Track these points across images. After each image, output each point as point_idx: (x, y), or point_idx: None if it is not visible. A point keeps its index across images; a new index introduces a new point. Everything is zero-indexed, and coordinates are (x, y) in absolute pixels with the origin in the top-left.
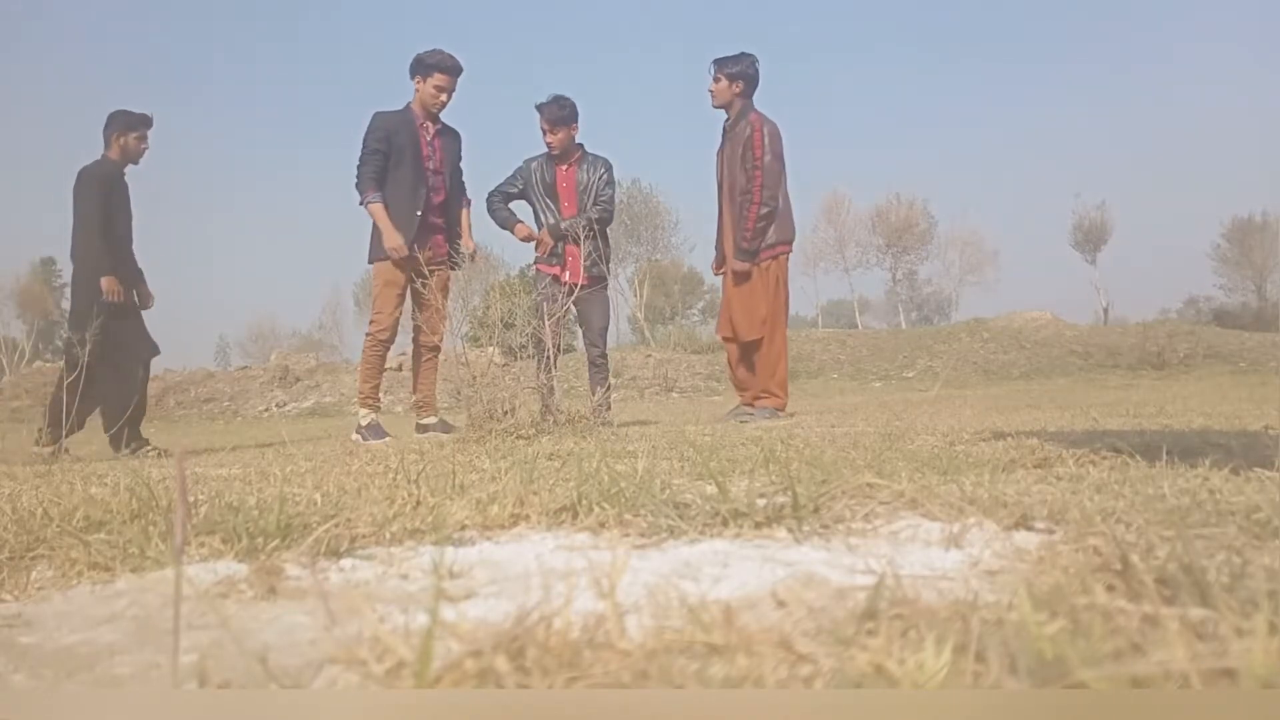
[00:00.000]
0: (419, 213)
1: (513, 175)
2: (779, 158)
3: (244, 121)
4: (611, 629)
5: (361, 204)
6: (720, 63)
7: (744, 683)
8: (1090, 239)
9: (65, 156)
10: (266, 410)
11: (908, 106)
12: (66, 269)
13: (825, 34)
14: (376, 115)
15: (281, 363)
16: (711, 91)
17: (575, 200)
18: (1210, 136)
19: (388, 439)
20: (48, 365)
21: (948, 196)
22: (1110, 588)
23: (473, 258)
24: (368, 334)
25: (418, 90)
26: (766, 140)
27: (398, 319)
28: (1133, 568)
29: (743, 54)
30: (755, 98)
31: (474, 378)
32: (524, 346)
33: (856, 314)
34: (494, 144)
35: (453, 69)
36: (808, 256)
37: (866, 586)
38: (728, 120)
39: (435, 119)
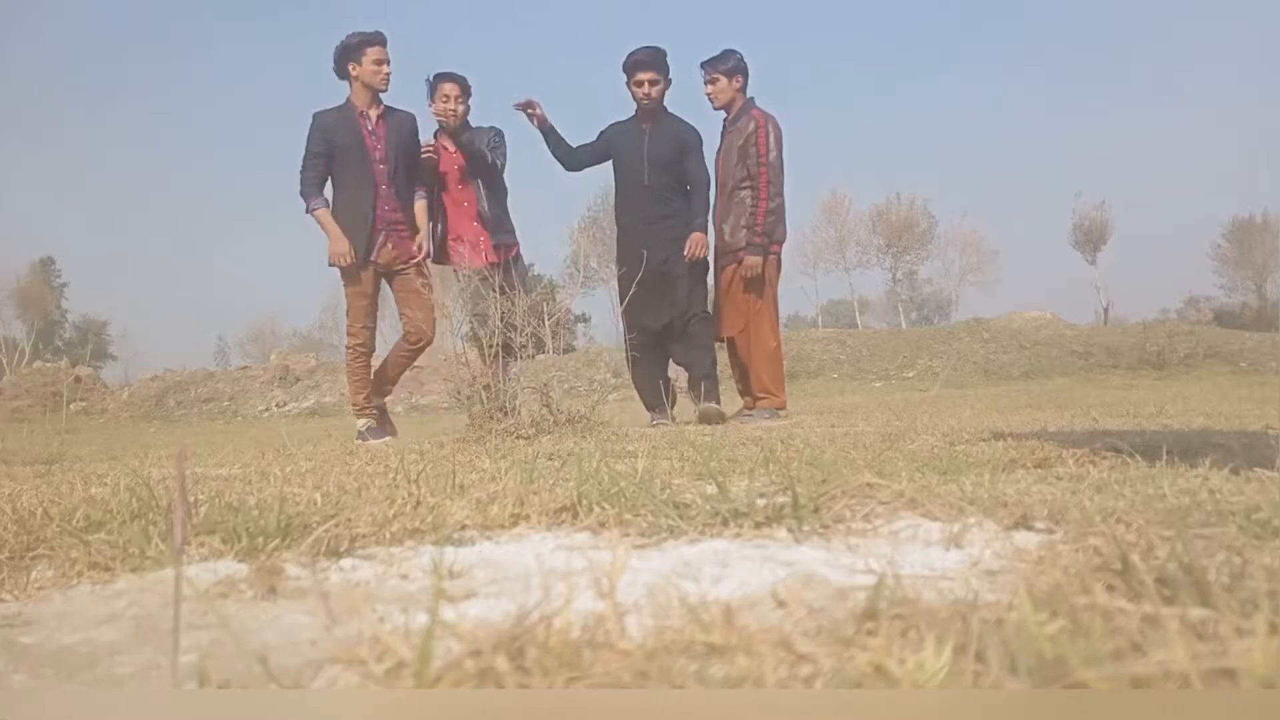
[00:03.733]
0: (373, 211)
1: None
2: (780, 154)
3: (246, 119)
4: (611, 629)
5: (307, 212)
6: (713, 63)
7: (744, 683)
8: (1090, 239)
9: (65, 156)
10: (266, 410)
11: (908, 106)
12: (66, 269)
13: (825, 33)
14: (314, 116)
15: (281, 363)
16: (710, 94)
17: None
18: (1210, 136)
19: (387, 438)
20: (48, 365)
21: (948, 196)
22: (1110, 588)
23: (422, 260)
24: (347, 347)
25: (356, 78)
26: (771, 137)
27: (373, 327)
28: (1133, 568)
29: (728, 51)
30: (756, 95)
31: (474, 378)
32: (524, 346)
33: (856, 314)
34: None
35: (380, 38)
36: (807, 256)
37: (866, 586)
38: (728, 118)
39: (378, 102)
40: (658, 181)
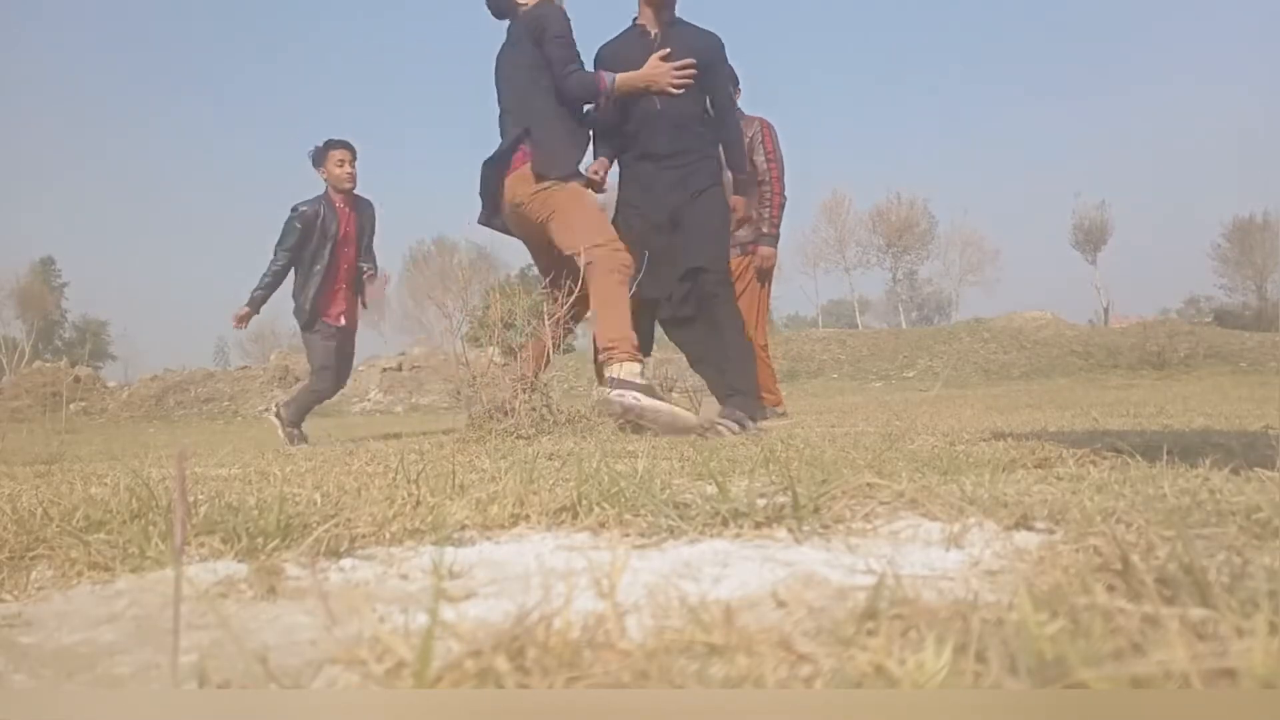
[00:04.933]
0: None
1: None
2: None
3: (247, 121)
4: (611, 629)
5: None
6: None
7: (744, 683)
8: (1090, 239)
9: (65, 157)
10: (266, 410)
11: (909, 106)
12: (66, 269)
13: (826, 34)
14: None
15: (281, 363)
16: None
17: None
18: (1211, 136)
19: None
20: (48, 365)
21: (948, 196)
22: (1110, 588)
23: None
24: (607, 266)
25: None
26: (775, 138)
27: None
28: (1133, 568)
29: None
30: (756, 97)
31: (474, 378)
32: (523, 346)
33: (856, 314)
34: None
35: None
36: (807, 256)
37: (866, 586)
38: None
39: None
40: (674, 105)
